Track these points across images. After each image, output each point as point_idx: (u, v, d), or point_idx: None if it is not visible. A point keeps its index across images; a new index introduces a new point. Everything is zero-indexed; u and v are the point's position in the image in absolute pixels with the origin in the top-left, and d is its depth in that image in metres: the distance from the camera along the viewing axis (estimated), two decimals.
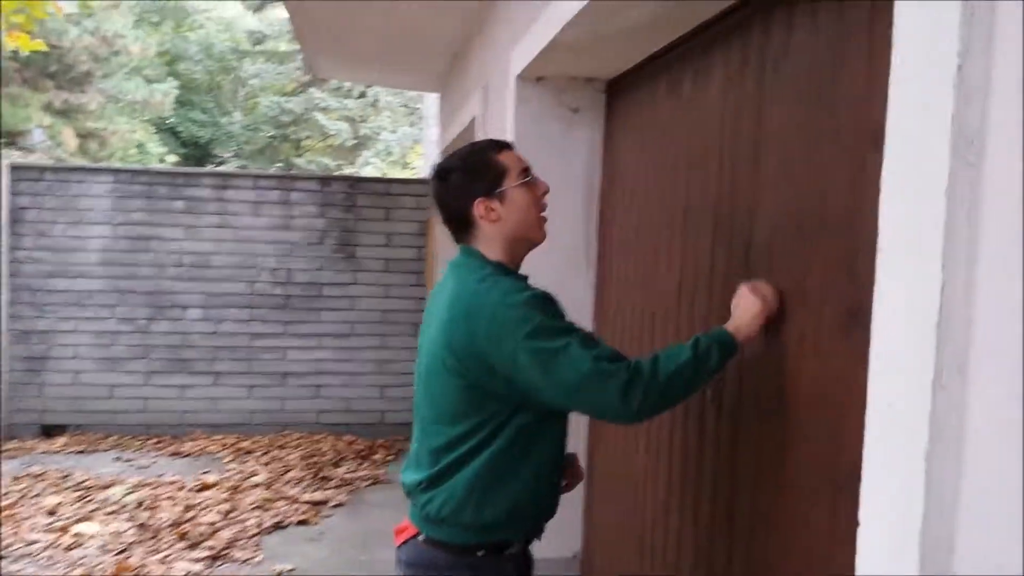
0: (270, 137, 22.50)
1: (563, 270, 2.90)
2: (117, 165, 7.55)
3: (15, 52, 9.81)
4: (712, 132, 2.03)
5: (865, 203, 1.37)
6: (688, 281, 2.14)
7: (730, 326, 1.67)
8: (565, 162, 2.89)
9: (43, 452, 6.27)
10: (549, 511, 1.84)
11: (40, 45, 6.39)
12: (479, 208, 1.75)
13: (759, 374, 1.74)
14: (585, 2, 2.03)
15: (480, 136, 3.68)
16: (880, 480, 0.96)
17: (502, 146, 1.84)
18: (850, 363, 1.39)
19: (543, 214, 1.84)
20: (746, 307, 1.68)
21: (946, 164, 0.86)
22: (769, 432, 1.68)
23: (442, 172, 1.83)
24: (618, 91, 2.80)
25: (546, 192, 1.84)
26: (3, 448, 6.23)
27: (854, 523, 1.02)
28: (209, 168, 15.25)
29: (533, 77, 2.84)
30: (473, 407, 1.71)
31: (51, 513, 4.95)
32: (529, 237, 1.82)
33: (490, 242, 1.78)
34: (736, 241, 1.86)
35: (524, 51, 2.73)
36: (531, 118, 2.87)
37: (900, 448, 0.91)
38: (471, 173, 1.78)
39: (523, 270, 1.84)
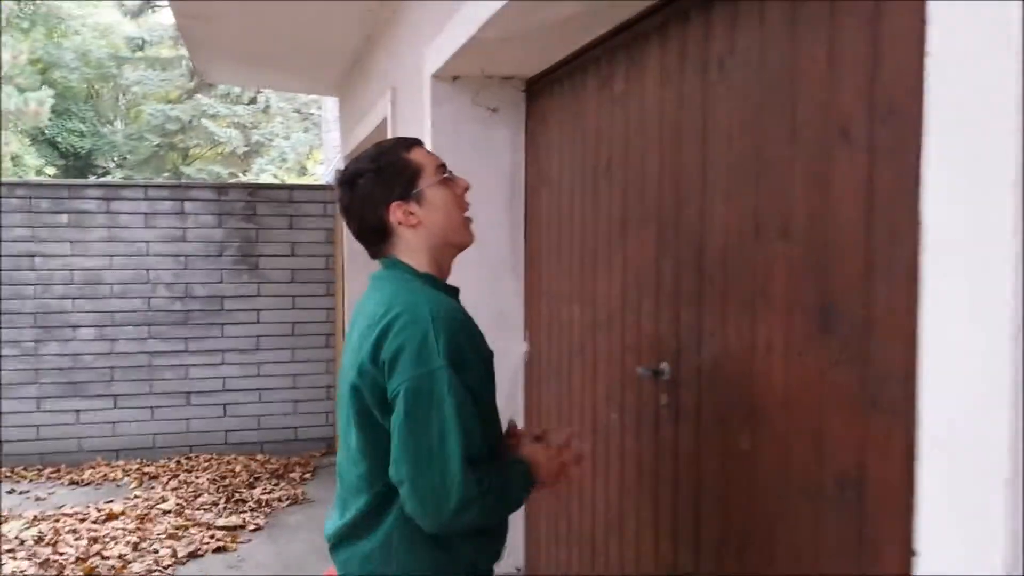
0: (156, 146, 21.64)
1: (488, 279, 2.81)
2: None
3: None
4: (650, 132, 1.97)
5: (833, 199, 1.33)
6: (632, 291, 2.07)
7: (534, 472, 1.58)
8: (486, 164, 2.80)
9: None
10: (497, 541, 1.66)
11: None
12: (396, 213, 1.59)
13: (721, 380, 1.69)
14: (505, 1, 1.95)
15: None
16: (944, 506, 0.89)
17: (412, 143, 1.68)
18: (826, 365, 1.35)
19: (467, 214, 1.68)
20: (548, 468, 1.61)
21: (1015, 153, 0.78)
22: (736, 440, 1.63)
23: (349, 178, 1.64)
24: (539, 89, 2.73)
25: (467, 189, 1.69)
26: None
27: (846, 535, 0.96)
28: (95, 179, 14.50)
29: (448, 76, 2.74)
30: (374, 442, 1.51)
31: None
32: (454, 241, 1.66)
33: (413, 252, 1.62)
34: (685, 247, 1.81)
35: (439, 50, 2.63)
36: (448, 119, 2.77)
37: (970, 471, 0.83)
38: (382, 175, 1.61)
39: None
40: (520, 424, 1.76)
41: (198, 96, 20.50)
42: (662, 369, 1.90)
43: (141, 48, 21.95)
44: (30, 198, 6.19)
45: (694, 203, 1.78)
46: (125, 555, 4.53)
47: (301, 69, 5.71)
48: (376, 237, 1.64)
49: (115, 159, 22.78)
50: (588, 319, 2.35)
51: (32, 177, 17.62)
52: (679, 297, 1.84)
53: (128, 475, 6.10)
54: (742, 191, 1.60)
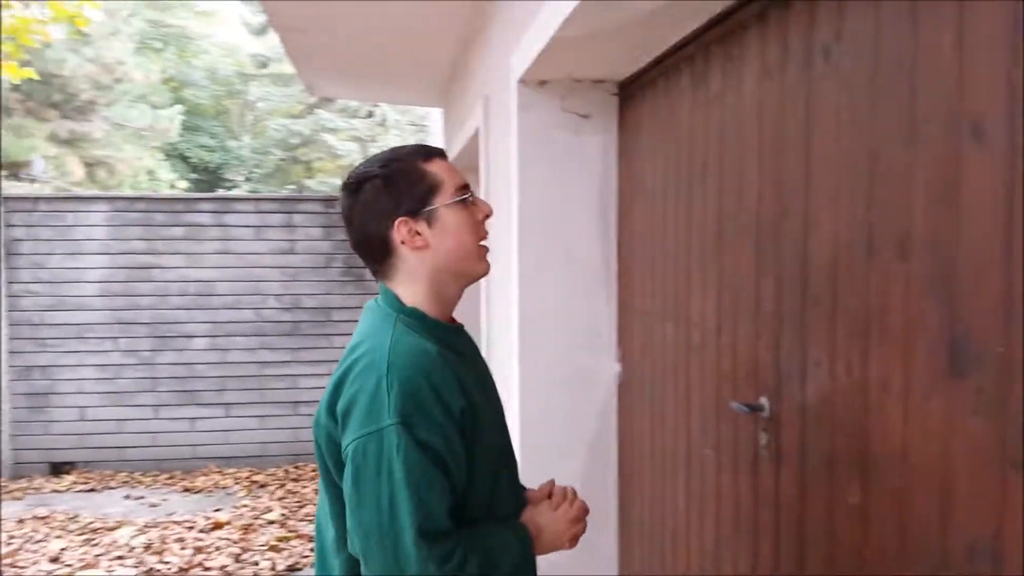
0: (280, 160, 22.47)
1: (577, 293, 2.63)
2: (112, 193, 7.38)
3: (18, 83, 9.69)
4: (748, 133, 1.75)
5: (963, 211, 1.09)
6: (728, 310, 1.85)
7: (535, 536, 1.40)
8: (576, 173, 2.62)
9: (51, 492, 6.08)
10: None
11: (30, 73, 6.22)
12: (400, 230, 1.38)
13: (828, 420, 1.45)
14: None
15: (483, 151, 3.42)
16: None
17: (433, 153, 1.46)
18: (956, 413, 1.11)
19: (484, 243, 1.47)
20: (553, 530, 1.42)
21: None
22: (844, 491, 1.39)
23: (355, 182, 1.43)
24: (632, 93, 2.53)
25: (488, 216, 1.48)
26: (9, 489, 6.04)
27: None
28: (208, 193, 15.11)
29: (535, 81, 2.58)
30: (338, 504, 1.34)
31: (55, 560, 4.73)
32: (464, 270, 1.45)
33: (411, 277, 1.42)
34: (787, 263, 1.58)
35: (524, 53, 2.47)
36: (536, 127, 2.60)
37: None
38: (391, 184, 1.40)
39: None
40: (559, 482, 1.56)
41: (318, 111, 21.14)
42: (761, 404, 1.67)
43: (265, 65, 22.82)
44: (148, 211, 6.39)
45: (797, 213, 1.55)
46: (226, 566, 4.57)
47: (403, 80, 5.68)
48: (375, 255, 1.44)
49: (243, 173, 23.79)
50: (682, 341, 2.14)
51: (165, 190, 18.53)
52: (780, 320, 1.61)
53: (238, 483, 6.22)
54: (852, 199, 1.37)
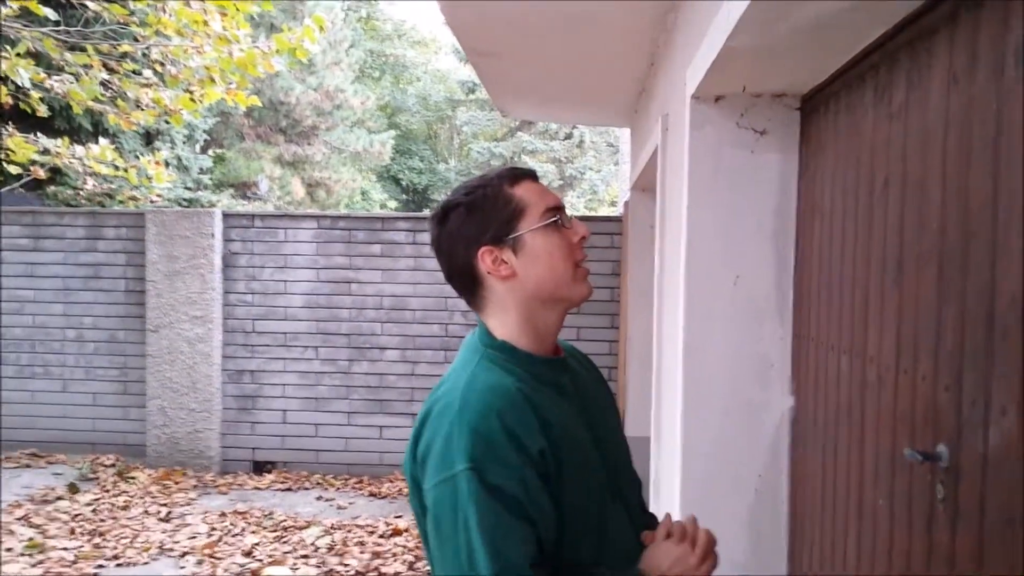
0: None
1: (748, 320, 2.48)
2: (318, 212, 7.85)
3: (248, 110, 10.61)
4: (932, 149, 1.57)
5: None
6: (907, 345, 1.67)
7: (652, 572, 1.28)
8: (750, 193, 2.47)
9: (252, 488, 6.51)
10: None
11: (254, 100, 6.75)
12: (485, 260, 1.34)
13: (1011, 478, 1.26)
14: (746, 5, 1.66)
15: (660, 171, 3.33)
16: None
17: (520, 175, 1.40)
18: None
19: (583, 264, 1.39)
20: (677, 561, 1.29)
21: None
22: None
23: (441, 212, 1.41)
24: (816, 106, 2.36)
25: (584, 238, 1.39)
26: (217, 483, 6.54)
27: None
28: (404, 213, 15.93)
29: (710, 96, 2.46)
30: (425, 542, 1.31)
31: (247, 554, 5.05)
32: (559, 296, 1.37)
33: (501, 308, 1.37)
34: (972, 294, 1.40)
35: (697, 67, 2.37)
36: (707, 144, 2.48)
37: None
38: (474, 212, 1.35)
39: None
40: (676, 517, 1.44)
41: (519, 134, 21.71)
42: (939, 453, 1.48)
43: (473, 91, 23.78)
44: (349, 229, 6.76)
45: (984, 236, 1.37)
46: (400, 573, 4.70)
47: (592, 101, 5.68)
48: (465, 285, 1.40)
49: (448, 193, 24.83)
50: (857, 377, 1.95)
51: (377, 210, 19.63)
52: (962, 357, 1.42)
53: None
54: None
